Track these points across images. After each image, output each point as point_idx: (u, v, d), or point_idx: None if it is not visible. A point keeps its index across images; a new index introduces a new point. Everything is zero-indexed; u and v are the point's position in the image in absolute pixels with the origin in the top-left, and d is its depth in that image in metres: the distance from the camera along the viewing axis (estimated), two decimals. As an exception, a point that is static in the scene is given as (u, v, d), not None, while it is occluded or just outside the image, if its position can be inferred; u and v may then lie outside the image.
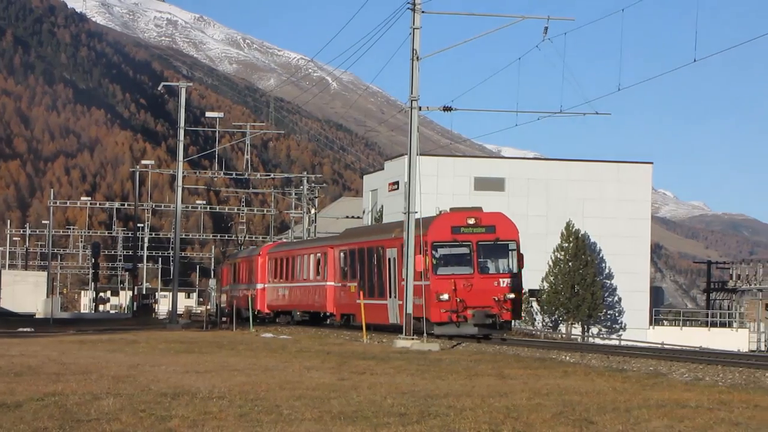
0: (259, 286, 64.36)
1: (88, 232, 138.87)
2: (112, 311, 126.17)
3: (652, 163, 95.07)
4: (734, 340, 49.54)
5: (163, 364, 25.21)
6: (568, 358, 28.88)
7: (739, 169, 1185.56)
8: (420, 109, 38.27)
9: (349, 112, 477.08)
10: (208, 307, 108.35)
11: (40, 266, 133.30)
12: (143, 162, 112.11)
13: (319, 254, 53.25)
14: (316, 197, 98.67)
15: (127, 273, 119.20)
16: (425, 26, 36.99)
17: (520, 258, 37.85)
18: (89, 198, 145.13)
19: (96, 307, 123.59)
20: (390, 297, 41.01)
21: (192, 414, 14.36)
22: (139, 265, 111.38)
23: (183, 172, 66.64)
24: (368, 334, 42.25)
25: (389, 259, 41.39)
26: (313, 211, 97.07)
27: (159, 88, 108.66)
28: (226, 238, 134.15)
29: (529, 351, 32.51)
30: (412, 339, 34.72)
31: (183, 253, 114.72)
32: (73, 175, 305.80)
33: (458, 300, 35.80)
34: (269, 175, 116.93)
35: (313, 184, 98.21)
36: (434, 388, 18.19)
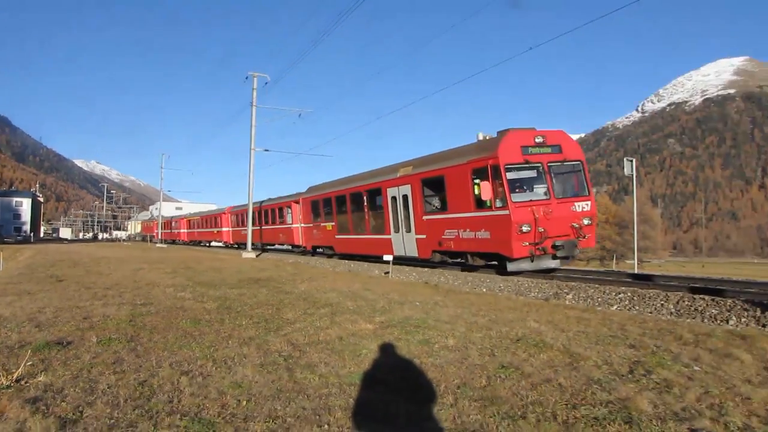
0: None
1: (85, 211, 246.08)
2: (101, 238, 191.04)
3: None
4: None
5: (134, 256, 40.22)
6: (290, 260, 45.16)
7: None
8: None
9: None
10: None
11: (68, 225, 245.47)
12: None
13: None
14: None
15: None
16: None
17: (589, 179, 27.96)
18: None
19: (95, 236, 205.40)
20: (393, 232, 32.97)
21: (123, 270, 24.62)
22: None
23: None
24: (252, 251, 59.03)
25: (390, 198, 33.64)
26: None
27: None
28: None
29: (273, 255, 50.00)
30: (249, 252, 50.05)
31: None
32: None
33: (539, 230, 25.79)
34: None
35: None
36: (257, 269, 29.72)
